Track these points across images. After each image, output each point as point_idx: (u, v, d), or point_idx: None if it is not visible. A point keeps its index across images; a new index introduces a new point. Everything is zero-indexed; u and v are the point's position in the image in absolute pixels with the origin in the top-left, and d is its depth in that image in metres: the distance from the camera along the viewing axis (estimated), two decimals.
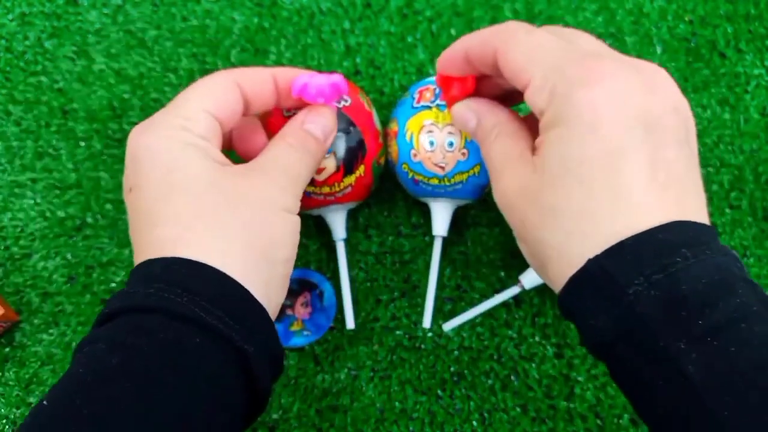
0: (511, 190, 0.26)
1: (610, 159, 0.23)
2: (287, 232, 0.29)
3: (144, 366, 0.23)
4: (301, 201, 0.37)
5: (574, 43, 0.26)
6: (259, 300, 0.26)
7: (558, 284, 0.25)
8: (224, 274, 0.25)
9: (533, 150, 0.27)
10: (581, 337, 0.25)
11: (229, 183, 0.27)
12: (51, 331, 0.40)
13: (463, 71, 0.30)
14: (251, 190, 0.28)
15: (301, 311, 0.39)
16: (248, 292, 0.26)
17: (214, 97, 0.29)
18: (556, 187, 0.24)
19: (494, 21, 0.46)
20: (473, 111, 0.31)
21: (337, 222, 0.38)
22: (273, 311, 0.28)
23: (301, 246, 0.41)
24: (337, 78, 0.33)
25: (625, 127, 0.23)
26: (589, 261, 0.23)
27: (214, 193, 0.27)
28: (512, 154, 0.27)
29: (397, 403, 0.38)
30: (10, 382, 0.39)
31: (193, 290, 0.25)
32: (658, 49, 0.45)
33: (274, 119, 0.35)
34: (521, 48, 0.26)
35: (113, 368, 0.23)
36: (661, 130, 0.23)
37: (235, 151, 0.34)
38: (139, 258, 0.27)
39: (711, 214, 0.42)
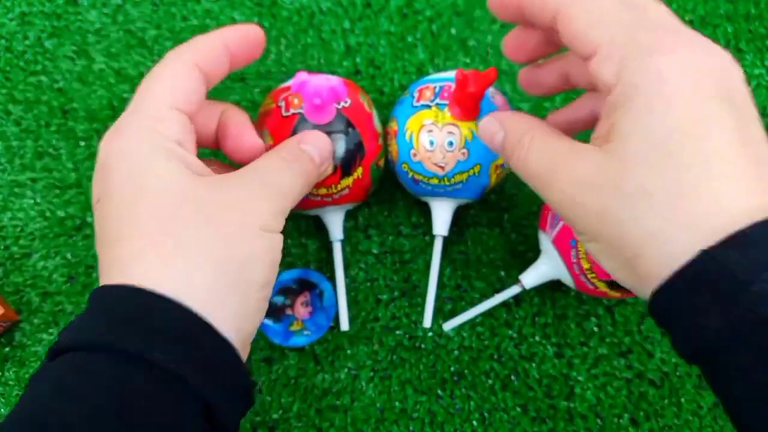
0: (576, 187, 0.24)
1: (699, 128, 0.21)
2: (265, 253, 0.26)
3: (86, 413, 0.21)
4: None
5: (641, 11, 0.24)
6: (225, 331, 0.24)
7: (653, 279, 0.22)
8: (182, 306, 0.23)
9: (596, 139, 0.24)
10: (678, 339, 0.22)
11: (203, 195, 0.25)
12: (51, 330, 0.40)
13: (511, 18, 0.28)
14: (228, 204, 0.25)
15: (301, 311, 0.39)
16: (209, 325, 0.23)
17: (178, 89, 0.27)
18: (642, 166, 0.21)
19: (494, 21, 0.46)
20: (498, 121, 0.29)
21: (335, 223, 0.38)
22: (244, 341, 0.26)
23: (301, 246, 0.41)
24: (336, 82, 0.33)
25: (708, 96, 0.21)
26: (703, 253, 0.20)
27: (185, 205, 0.25)
28: (560, 151, 0.25)
29: (397, 403, 0.38)
30: (10, 382, 0.39)
31: (147, 325, 0.22)
32: None
33: (272, 119, 0.35)
34: (586, 13, 0.24)
35: (53, 414, 0.21)
36: (740, 105, 0.22)
37: (222, 150, 0.32)
38: (101, 278, 0.25)
39: None
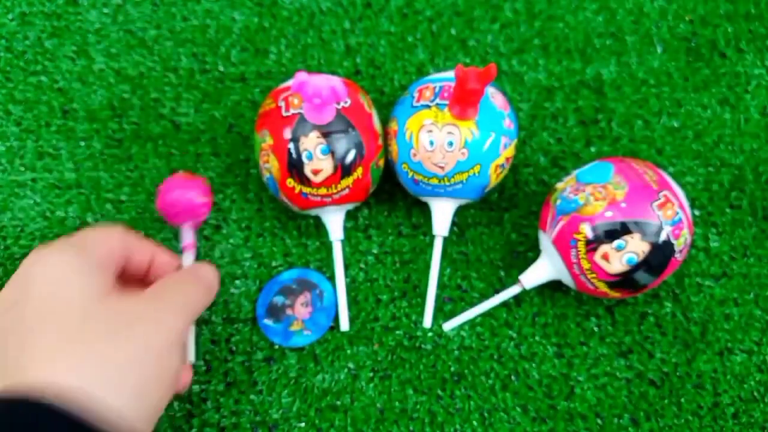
0: None
1: None
2: (171, 365, 0.28)
3: None
4: (298, 201, 0.37)
5: None
6: None
7: None
8: (75, 420, 0.23)
9: None
10: None
11: (113, 310, 0.27)
12: None
13: None
14: (137, 317, 0.28)
15: (301, 311, 0.39)
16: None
17: (110, 242, 0.31)
18: None
19: (494, 20, 0.46)
20: None
21: (335, 223, 0.38)
22: None
23: (301, 245, 0.41)
24: (336, 82, 0.33)
25: None
26: None
27: (92, 318, 0.26)
28: None
29: (397, 403, 0.38)
30: None
31: None
32: (659, 49, 0.45)
33: (272, 119, 0.35)
34: None
35: None
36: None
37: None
38: (5, 374, 0.26)
39: (711, 214, 0.42)
